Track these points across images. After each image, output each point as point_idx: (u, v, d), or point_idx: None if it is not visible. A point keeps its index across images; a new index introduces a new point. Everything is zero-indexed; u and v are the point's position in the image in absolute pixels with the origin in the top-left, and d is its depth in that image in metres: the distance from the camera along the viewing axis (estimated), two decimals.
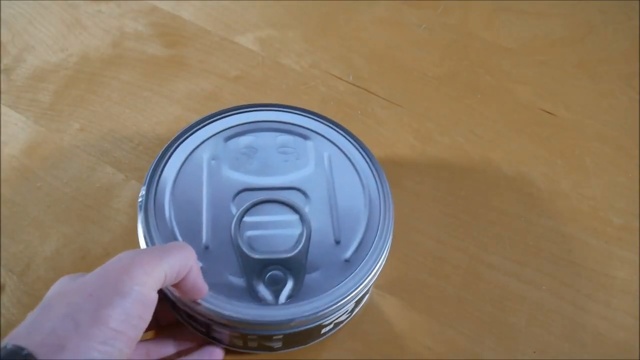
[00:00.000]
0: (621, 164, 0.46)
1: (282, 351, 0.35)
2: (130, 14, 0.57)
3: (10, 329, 0.39)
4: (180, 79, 0.52)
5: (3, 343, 0.23)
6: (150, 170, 0.36)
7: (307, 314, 0.31)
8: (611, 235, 0.42)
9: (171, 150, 0.37)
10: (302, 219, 0.34)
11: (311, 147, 0.38)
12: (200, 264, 0.32)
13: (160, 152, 0.36)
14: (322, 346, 0.37)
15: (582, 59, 0.52)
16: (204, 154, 0.37)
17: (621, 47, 0.53)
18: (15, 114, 0.50)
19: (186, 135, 0.37)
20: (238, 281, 0.32)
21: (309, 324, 0.32)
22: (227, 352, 0.35)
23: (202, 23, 0.56)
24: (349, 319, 0.37)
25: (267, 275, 0.32)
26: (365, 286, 0.33)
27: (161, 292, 0.30)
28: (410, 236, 0.42)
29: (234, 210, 0.34)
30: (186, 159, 0.36)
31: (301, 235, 0.34)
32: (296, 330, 0.32)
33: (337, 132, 0.39)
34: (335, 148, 0.38)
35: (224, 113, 0.39)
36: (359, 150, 0.38)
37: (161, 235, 0.33)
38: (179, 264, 0.28)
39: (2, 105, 0.50)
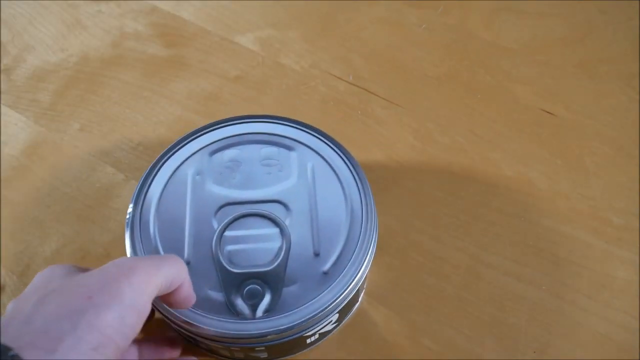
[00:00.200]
0: (621, 164, 0.46)
1: None
2: (130, 14, 0.57)
3: None
4: (180, 79, 0.52)
5: None
6: (138, 187, 0.36)
7: (282, 327, 0.31)
8: (611, 235, 0.42)
9: (158, 167, 0.37)
10: (282, 232, 0.34)
11: (295, 158, 0.37)
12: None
13: (148, 168, 0.37)
14: (321, 349, 0.37)
15: (582, 59, 0.52)
16: (189, 170, 0.37)
17: (621, 47, 0.53)
18: (15, 114, 0.50)
19: (173, 151, 0.38)
20: (217, 295, 0.32)
21: (288, 337, 0.32)
22: None
23: (202, 23, 0.56)
24: (337, 327, 0.37)
25: (246, 289, 0.32)
26: (345, 298, 0.33)
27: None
28: (410, 236, 0.42)
29: (215, 225, 0.35)
30: (172, 175, 0.37)
31: (280, 248, 0.34)
32: (277, 342, 0.32)
33: (322, 141, 0.38)
34: (319, 158, 0.37)
35: (211, 127, 0.39)
36: (343, 160, 0.37)
37: (145, 252, 0.33)
38: (172, 276, 0.28)
39: (2, 105, 0.51)
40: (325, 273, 0.33)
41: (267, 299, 0.32)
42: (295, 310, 0.31)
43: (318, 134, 0.38)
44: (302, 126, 0.39)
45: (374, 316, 0.39)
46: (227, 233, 0.34)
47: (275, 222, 0.35)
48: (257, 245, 0.34)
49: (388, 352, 0.37)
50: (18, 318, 0.23)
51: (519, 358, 0.37)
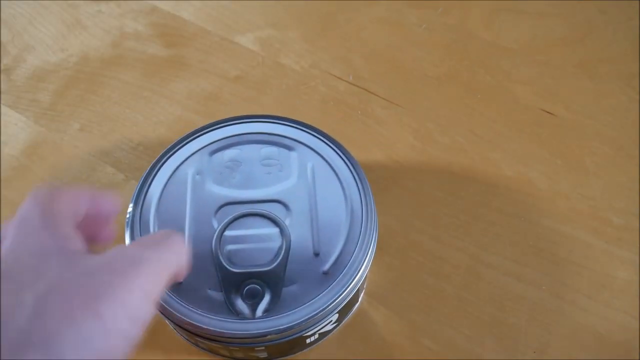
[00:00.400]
0: (621, 164, 0.46)
1: None
2: (130, 14, 0.57)
3: None
4: (180, 79, 0.52)
5: None
6: (138, 187, 0.36)
7: (282, 327, 0.31)
8: (611, 235, 0.42)
9: (158, 167, 0.37)
10: (282, 232, 0.34)
11: (295, 158, 0.37)
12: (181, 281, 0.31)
13: (148, 168, 0.37)
14: (321, 349, 0.37)
15: (582, 59, 0.52)
16: (189, 170, 0.37)
17: (621, 47, 0.53)
18: (15, 114, 0.50)
19: (173, 151, 0.38)
20: (217, 295, 0.32)
21: (288, 337, 0.32)
22: None
23: (202, 23, 0.56)
24: (337, 327, 0.37)
25: (245, 289, 0.32)
26: (345, 298, 0.33)
27: None
28: (410, 236, 0.42)
29: (215, 224, 0.35)
30: (172, 175, 0.37)
31: (280, 248, 0.34)
32: (276, 342, 0.32)
33: (322, 141, 0.38)
34: (319, 158, 0.37)
35: (211, 127, 0.39)
36: (343, 160, 0.37)
37: None
38: (179, 268, 0.26)
39: (2, 105, 0.50)
40: (325, 273, 0.33)
41: (266, 298, 0.32)
42: (295, 310, 0.31)
43: (318, 134, 0.38)
44: (302, 126, 0.39)
45: (373, 316, 0.39)
46: (227, 233, 0.34)
47: (275, 222, 0.35)
48: (257, 245, 0.34)
49: (388, 352, 0.37)
50: (15, 324, 0.20)
51: (519, 358, 0.37)
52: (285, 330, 0.31)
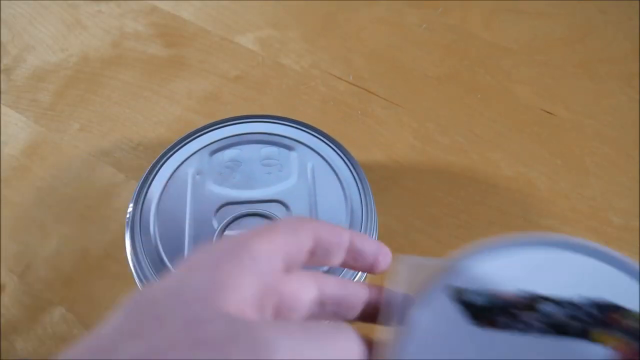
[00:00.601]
0: (621, 164, 0.46)
1: None
2: (130, 14, 0.57)
3: (10, 329, 0.39)
4: (180, 79, 0.52)
5: None
6: (138, 187, 0.36)
7: None
8: (611, 235, 0.42)
9: (158, 167, 0.37)
10: None
11: (295, 158, 0.37)
12: None
13: (148, 168, 0.37)
14: None
15: (582, 59, 0.52)
16: (189, 169, 0.37)
17: (621, 47, 0.53)
18: (15, 114, 0.50)
19: (173, 151, 0.38)
20: None
21: None
22: None
23: (202, 23, 0.56)
24: None
25: None
26: None
27: None
28: (410, 236, 0.42)
29: (215, 224, 0.35)
30: (172, 174, 0.37)
31: None
32: None
33: (322, 141, 0.38)
34: (320, 158, 0.37)
35: (211, 127, 0.39)
36: (343, 160, 0.37)
37: (145, 251, 0.33)
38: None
39: (2, 105, 0.51)
40: (325, 273, 0.33)
41: None
42: None
43: (318, 134, 0.38)
44: (302, 126, 0.39)
45: None
46: (227, 232, 0.34)
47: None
48: None
49: None
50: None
51: None
52: None
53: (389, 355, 0.20)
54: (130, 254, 0.33)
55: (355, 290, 0.22)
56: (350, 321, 0.22)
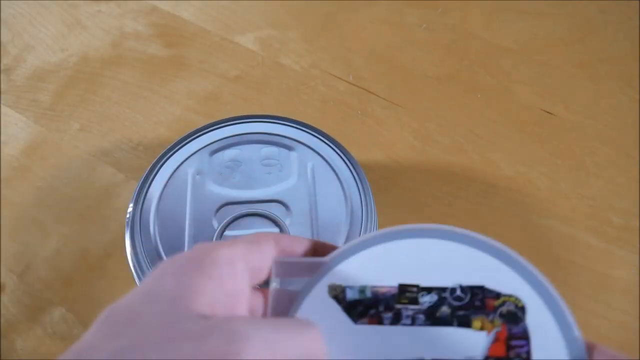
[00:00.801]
0: (621, 164, 0.46)
1: None
2: (130, 14, 0.57)
3: (10, 328, 0.39)
4: (180, 79, 0.52)
5: None
6: (138, 187, 0.36)
7: None
8: (611, 235, 0.42)
9: (158, 167, 0.37)
10: (282, 231, 0.34)
11: (295, 158, 0.37)
12: None
13: (148, 168, 0.37)
14: None
15: (582, 59, 0.52)
16: (189, 169, 0.37)
17: (621, 47, 0.53)
18: (15, 114, 0.50)
19: (173, 151, 0.38)
20: None
21: None
22: None
23: (202, 23, 0.56)
24: None
25: None
26: None
27: None
28: None
29: (215, 224, 0.35)
30: (172, 174, 0.37)
31: None
32: None
33: (322, 141, 0.38)
34: (319, 158, 0.37)
35: (211, 127, 0.39)
36: (343, 160, 0.37)
37: (146, 251, 0.33)
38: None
39: (2, 105, 0.51)
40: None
41: None
42: None
43: (318, 134, 0.38)
44: (302, 126, 0.39)
45: None
46: (227, 232, 0.34)
47: (275, 222, 0.35)
48: None
49: None
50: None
51: None
52: None
53: None
54: (130, 254, 0.33)
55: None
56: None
